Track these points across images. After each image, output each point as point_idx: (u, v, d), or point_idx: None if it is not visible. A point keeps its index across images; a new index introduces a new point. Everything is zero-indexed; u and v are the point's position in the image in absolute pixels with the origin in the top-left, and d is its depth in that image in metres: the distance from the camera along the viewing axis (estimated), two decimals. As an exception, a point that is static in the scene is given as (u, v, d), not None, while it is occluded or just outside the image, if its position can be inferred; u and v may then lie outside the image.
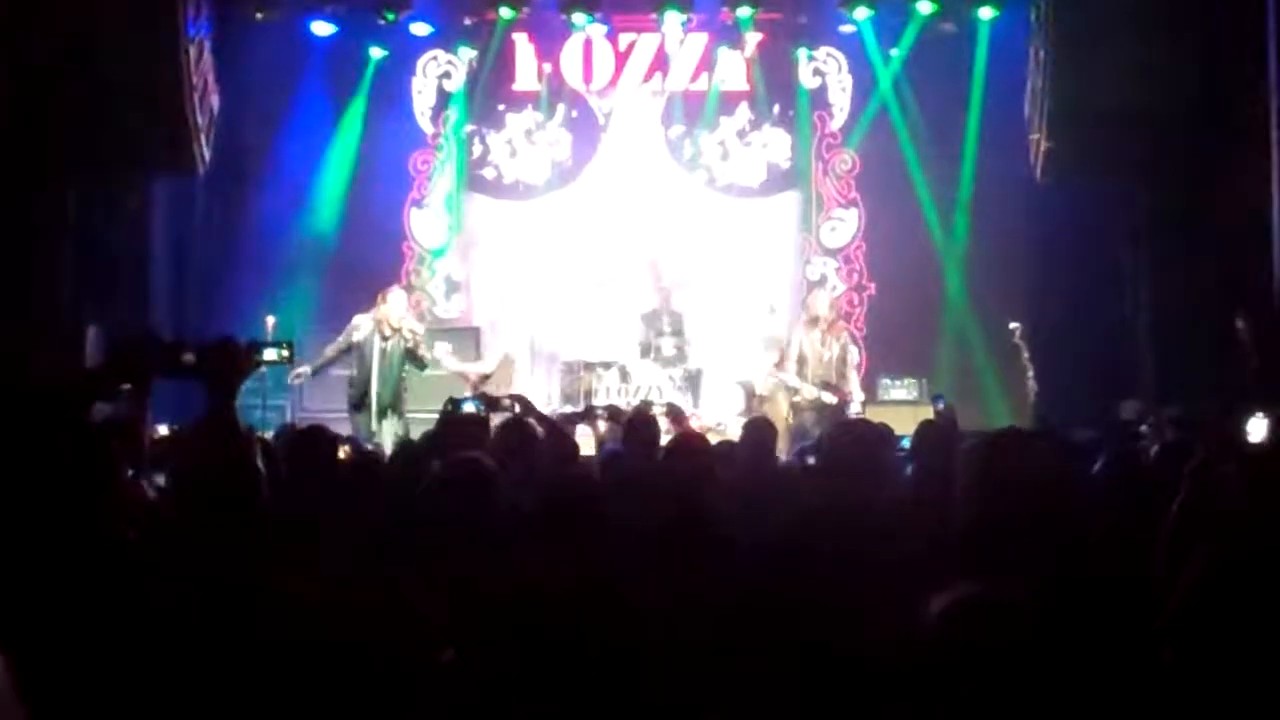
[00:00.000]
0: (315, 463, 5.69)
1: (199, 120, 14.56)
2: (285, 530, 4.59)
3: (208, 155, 14.97)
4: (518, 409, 7.79)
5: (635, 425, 7.95)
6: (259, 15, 15.87)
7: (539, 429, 6.86)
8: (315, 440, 5.99)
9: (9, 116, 13.16)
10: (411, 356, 13.28)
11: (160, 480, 5.82)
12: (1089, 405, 13.41)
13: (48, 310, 13.59)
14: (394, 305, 13.47)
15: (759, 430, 8.07)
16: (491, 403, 8.04)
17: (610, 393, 14.43)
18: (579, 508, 4.64)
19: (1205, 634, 2.71)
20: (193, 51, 14.34)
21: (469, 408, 7.44)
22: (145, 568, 3.67)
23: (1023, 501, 4.20)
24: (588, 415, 9.94)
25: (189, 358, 4.32)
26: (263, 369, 4.69)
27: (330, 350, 13.33)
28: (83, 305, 13.92)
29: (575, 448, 7.53)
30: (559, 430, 7.55)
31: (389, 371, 13.17)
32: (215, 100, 15.30)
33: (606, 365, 14.95)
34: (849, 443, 5.51)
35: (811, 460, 7.61)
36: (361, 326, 13.27)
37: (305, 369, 13.10)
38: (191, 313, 15.92)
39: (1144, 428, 11.03)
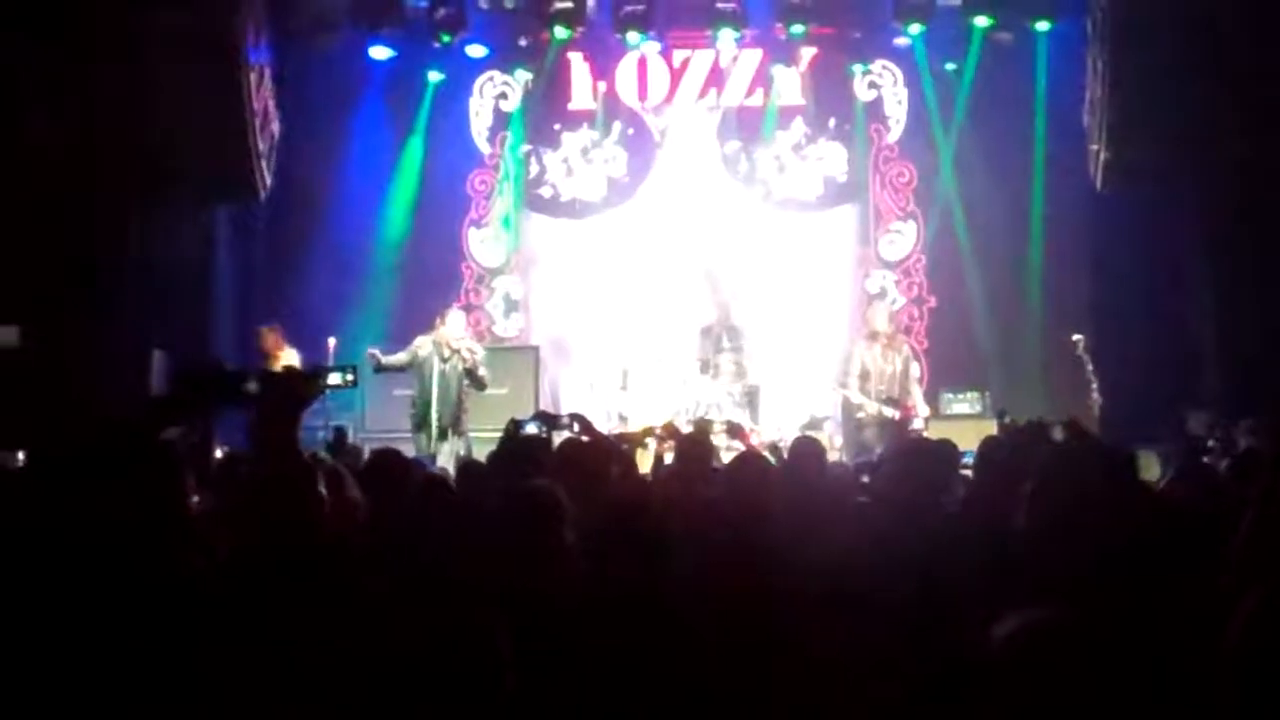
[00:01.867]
0: (391, 487, 5.72)
1: (260, 146, 14.69)
2: (348, 555, 4.61)
3: (269, 181, 15.11)
4: (577, 428, 7.81)
5: (689, 444, 7.94)
6: (318, 42, 15.96)
7: (598, 449, 6.88)
8: (393, 464, 5.99)
9: (74, 144, 13.31)
10: (470, 376, 13.37)
11: (219, 503, 5.86)
12: (1155, 418, 13.27)
13: (113, 335, 13.72)
14: (452, 326, 13.57)
15: (805, 452, 7.88)
16: (552, 422, 8.06)
17: (668, 410, 14.41)
18: (637, 529, 4.64)
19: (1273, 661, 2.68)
20: (253, 78, 14.47)
21: (531, 429, 7.46)
22: (212, 595, 3.70)
23: (1095, 519, 4.16)
24: (645, 433, 9.95)
25: (252, 386, 4.35)
26: (326, 392, 4.70)
27: (396, 357, 13.43)
28: (147, 330, 14.03)
29: (632, 469, 7.53)
30: (616, 449, 7.56)
31: (448, 392, 13.27)
32: (276, 126, 15.45)
33: (665, 382, 14.93)
34: (908, 465, 5.46)
35: (867, 479, 7.57)
36: (422, 347, 13.38)
37: (377, 353, 13.24)
38: (254, 336, 16.02)
39: (1212, 441, 10.89)
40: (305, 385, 4.43)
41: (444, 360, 13.30)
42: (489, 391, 13.66)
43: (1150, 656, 3.06)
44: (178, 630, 3.50)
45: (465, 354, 13.37)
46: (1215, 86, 13.49)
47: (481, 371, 13.44)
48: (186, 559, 3.87)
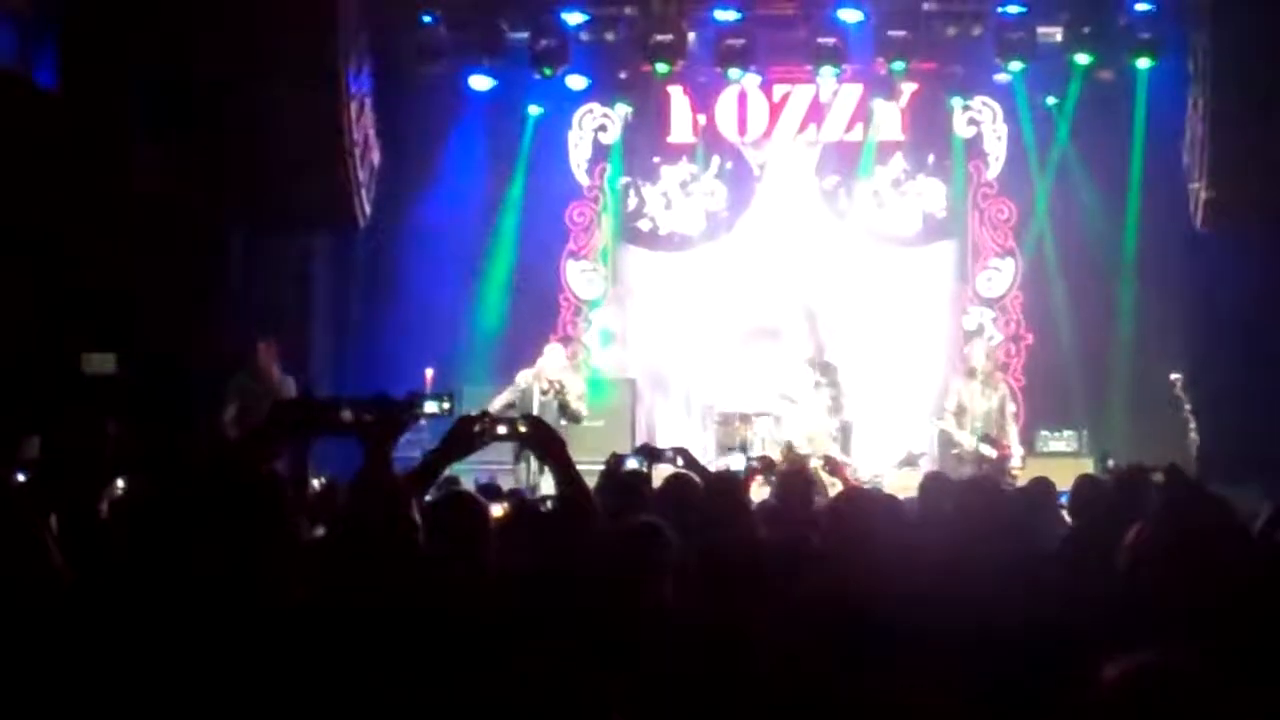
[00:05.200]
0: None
1: (360, 176, 14.80)
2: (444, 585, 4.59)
3: (368, 210, 15.20)
4: (680, 462, 7.76)
5: (787, 479, 7.89)
6: (419, 72, 16.05)
7: (703, 484, 6.84)
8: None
9: (175, 173, 13.49)
10: (563, 410, 13.41)
11: (318, 533, 5.87)
12: (1252, 460, 13.06)
13: (210, 364, 13.85)
14: (549, 359, 13.63)
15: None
16: (655, 456, 8.01)
17: (765, 444, 14.34)
18: (741, 572, 4.59)
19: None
20: (354, 108, 14.58)
21: (632, 464, 7.42)
22: (311, 628, 3.69)
23: (1204, 564, 4.07)
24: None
25: (346, 414, 4.35)
26: (422, 420, 4.69)
27: (503, 400, 13.49)
28: (244, 358, 14.13)
29: (738, 505, 7.49)
30: (721, 486, 7.51)
31: (547, 424, 13.29)
32: (376, 156, 15.55)
33: (762, 416, 14.87)
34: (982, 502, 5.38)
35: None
36: (522, 381, 13.47)
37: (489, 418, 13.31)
38: (351, 365, 16.15)
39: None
40: (398, 414, 4.43)
41: (543, 394, 13.41)
42: (586, 424, 13.69)
43: (1263, 702, 2.98)
44: (281, 662, 3.50)
45: (559, 387, 13.48)
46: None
47: (575, 406, 13.50)
48: (290, 590, 3.87)
